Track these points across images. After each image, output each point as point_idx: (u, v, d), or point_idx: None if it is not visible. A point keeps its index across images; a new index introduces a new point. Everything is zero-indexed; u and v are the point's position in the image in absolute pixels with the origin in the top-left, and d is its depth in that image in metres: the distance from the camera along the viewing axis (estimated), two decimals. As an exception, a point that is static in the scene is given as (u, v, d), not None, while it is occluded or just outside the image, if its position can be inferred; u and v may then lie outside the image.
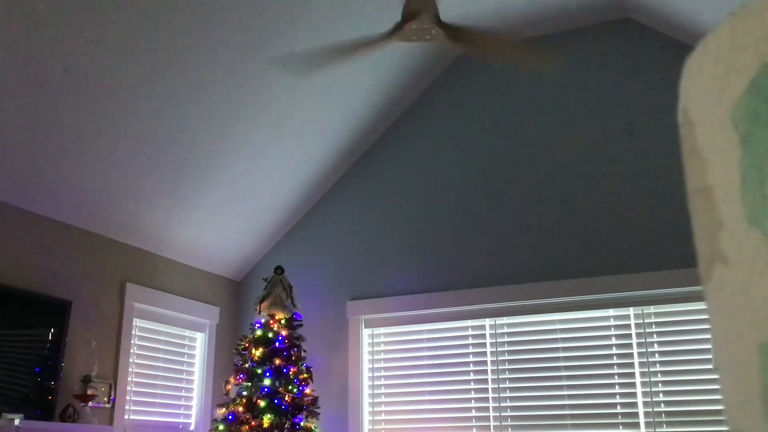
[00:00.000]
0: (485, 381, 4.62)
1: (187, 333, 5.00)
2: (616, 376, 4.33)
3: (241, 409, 4.41)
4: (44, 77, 3.43)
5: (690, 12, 4.08)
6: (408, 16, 3.18)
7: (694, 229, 0.45)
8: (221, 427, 4.39)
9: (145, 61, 3.66)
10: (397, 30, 3.24)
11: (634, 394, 4.26)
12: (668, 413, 4.17)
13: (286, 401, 4.40)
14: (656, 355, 4.26)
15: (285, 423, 4.36)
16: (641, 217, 4.38)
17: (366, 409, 4.87)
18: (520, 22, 4.68)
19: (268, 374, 4.46)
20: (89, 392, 3.99)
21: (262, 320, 4.65)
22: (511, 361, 4.60)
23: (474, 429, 4.59)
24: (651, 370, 4.25)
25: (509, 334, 4.65)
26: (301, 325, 4.76)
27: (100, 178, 4.09)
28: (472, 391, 4.65)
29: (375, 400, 4.89)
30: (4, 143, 3.60)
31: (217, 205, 4.77)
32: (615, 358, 4.36)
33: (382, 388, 4.89)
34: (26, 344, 3.80)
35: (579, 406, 4.37)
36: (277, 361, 4.49)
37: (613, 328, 4.40)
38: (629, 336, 4.34)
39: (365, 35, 3.39)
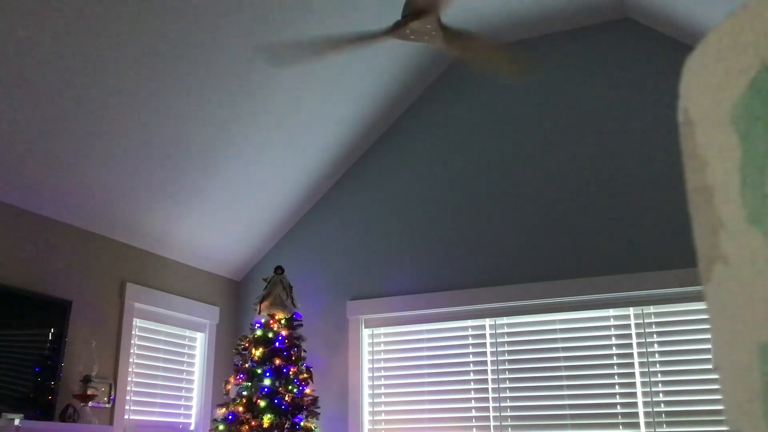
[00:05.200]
0: (485, 381, 4.62)
1: (187, 333, 5.00)
2: (616, 376, 4.33)
3: (241, 409, 4.41)
4: (44, 78, 3.43)
5: (690, 12, 4.07)
6: (412, 13, 3.15)
7: (694, 229, 0.44)
8: (221, 427, 4.39)
9: (146, 62, 3.66)
10: (397, 27, 3.21)
11: (634, 394, 4.26)
12: (668, 413, 4.17)
13: (286, 401, 4.40)
14: (656, 355, 4.26)
15: (285, 423, 4.36)
16: (641, 217, 4.38)
17: (366, 409, 4.87)
18: (520, 23, 4.68)
19: (268, 374, 4.46)
20: (89, 392, 3.99)
21: (262, 320, 4.65)
22: (511, 361, 4.59)
23: (474, 429, 4.59)
24: (651, 370, 4.25)
25: (509, 334, 4.64)
26: (301, 325, 4.76)
27: (100, 178, 4.09)
28: (472, 391, 4.64)
29: (375, 400, 4.89)
30: (3, 144, 3.60)
31: (217, 205, 4.77)
32: (615, 358, 4.36)
33: (382, 388, 4.89)
34: (26, 344, 3.80)
35: (579, 406, 4.37)
36: (277, 361, 4.49)
37: (613, 328, 4.40)
38: (629, 336, 4.34)
39: (363, 30, 3.37)
